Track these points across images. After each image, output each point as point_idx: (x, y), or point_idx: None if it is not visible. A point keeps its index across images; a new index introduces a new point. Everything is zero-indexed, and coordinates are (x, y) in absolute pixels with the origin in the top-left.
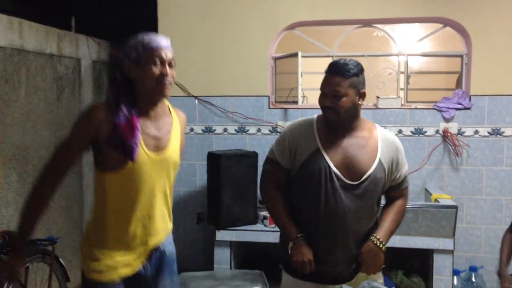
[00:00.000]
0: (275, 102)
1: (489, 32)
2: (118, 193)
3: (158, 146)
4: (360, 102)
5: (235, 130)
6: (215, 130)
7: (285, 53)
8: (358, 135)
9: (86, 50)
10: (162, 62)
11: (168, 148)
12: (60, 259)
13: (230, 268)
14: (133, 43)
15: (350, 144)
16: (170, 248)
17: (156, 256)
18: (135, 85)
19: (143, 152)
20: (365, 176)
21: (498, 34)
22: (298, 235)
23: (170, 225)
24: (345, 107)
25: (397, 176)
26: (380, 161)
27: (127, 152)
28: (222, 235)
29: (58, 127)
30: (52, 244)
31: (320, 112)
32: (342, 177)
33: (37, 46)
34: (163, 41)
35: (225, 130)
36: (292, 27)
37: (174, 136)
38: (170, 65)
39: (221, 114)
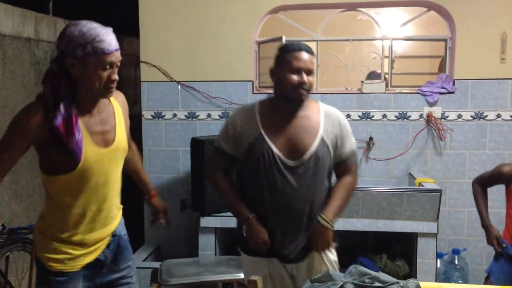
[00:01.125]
0: (259, 87)
1: (473, 16)
2: (71, 192)
3: (106, 140)
4: None
5: (219, 116)
6: (198, 115)
7: (269, 37)
8: (300, 115)
9: None
10: (111, 66)
11: (115, 139)
12: None
13: (215, 255)
14: (79, 38)
15: (293, 125)
16: (124, 231)
17: (114, 241)
18: (76, 82)
19: (93, 150)
20: (306, 155)
21: (482, 18)
22: (250, 216)
23: (120, 210)
24: (313, 84)
25: (343, 152)
26: (322, 139)
27: (71, 155)
28: (206, 221)
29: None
30: (32, 232)
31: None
32: (284, 158)
33: (14, 29)
34: (113, 41)
35: (209, 115)
36: (275, 10)
37: (118, 124)
38: (117, 66)
39: (205, 99)
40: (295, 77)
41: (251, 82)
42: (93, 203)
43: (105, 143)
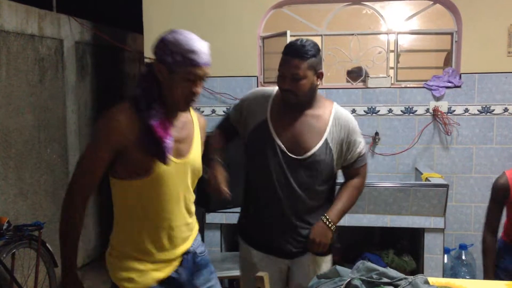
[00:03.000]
0: (264, 82)
1: (479, 9)
2: (140, 203)
3: (179, 151)
4: (318, 83)
5: (223, 111)
6: (203, 111)
7: (273, 32)
8: (310, 113)
9: (69, 30)
10: (196, 80)
11: (190, 154)
12: (47, 244)
13: (221, 251)
14: (172, 45)
15: (299, 121)
16: (201, 249)
17: (187, 259)
18: (162, 87)
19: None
20: (308, 154)
21: (489, 11)
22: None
23: (195, 231)
24: (304, 89)
25: (350, 156)
26: (326, 142)
27: (161, 154)
28: (211, 217)
29: (41, 109)
30: (38, 229)
31: None
32: (285, 150)
33: (18, 26)
34: (205, 55)
35: (213, 111)
36: (280, 5)
37: (196, 141)
38: (202, 80)
39: (209, 95)
40: (279, 83)
41: (256, 78)
42: (163, 217)
43: (177, 153)
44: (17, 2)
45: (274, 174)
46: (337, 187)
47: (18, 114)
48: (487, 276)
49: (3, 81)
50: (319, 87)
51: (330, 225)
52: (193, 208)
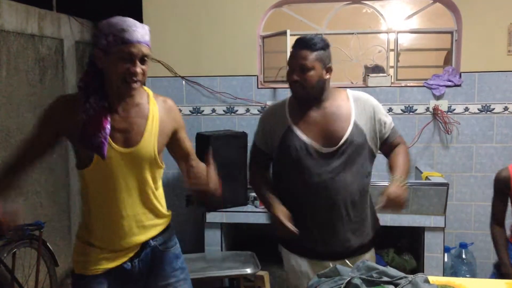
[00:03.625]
0: (264, 81)
1: (479, 8)
2: (94, 191)
3: (127, 140)
4: (327, 77)
5: (224, 111)
6: (203, 111)
7: (273, 31)
8: (329, 105)
9: (69, 30)
10: (133, 58)
11: (140, 143)
12: (48, 244)
13: (221, 250)
14: (105, 28)
15: (322, 114)
16: (165, 245)
17: (146, 252)
18: (104, 75)
19: (109, 147)
20: (342, 141)
21: (489, 10)
22: (274, 203)
23: (161, 221)
24: (312, 81)
25: (385, 131)
26: (355, 123)
27: (95, 149)
28: (212, 217)
29: (41, 109)
30: (39, 228)
31: None
32: (318, 147)
33: (18, 26)
34: (138, 33)
35: (213, 110)
36: (280, 4)
37: (149, 129)
38: (142, 61)
39: (209, 94)
40: (288, 76)
41: (256, 77)
42: (116, 206)
43: (124, 143)
44: (17, 1)
45: (312, 175)
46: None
47: (18, 114)
48: (504, 267)
49: (3, 81)
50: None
51: (402, 182)
52: (156, 201)
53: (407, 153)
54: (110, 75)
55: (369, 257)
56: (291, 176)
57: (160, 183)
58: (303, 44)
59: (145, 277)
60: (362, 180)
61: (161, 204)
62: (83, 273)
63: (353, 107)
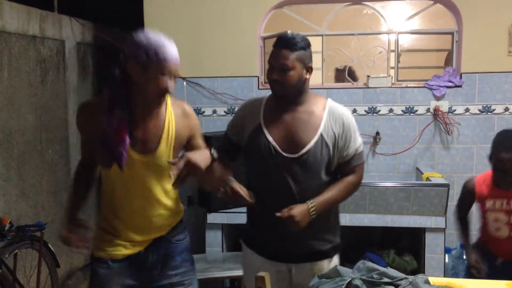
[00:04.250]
0: (265, 82)
1: (480, 9)
2: (110, 190)
3: (145, 148)
4: (307, 77)
5: (224, 112)
6: (204, 112)
7: (274, 32)
8: (302, 110)
9: (70, 31)
10: (170, 74)
11: (157, 152)
12: (49, 245)
13: (222, 251)
14: (143, 44)
15: (293, 119)
16: (179, 237)
17: (160, 244)
18: (134, 85)
19: (128, 154)
20: (303, 150)
21: (489, 11)
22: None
23: (175, 217)
24: (292, 80)
25: (346, 153)
26: (321, 136)
27: (115, 160)
28: (213, 217)
29: (43, 110)
30: (40, 229)
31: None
32: (280, 151)
33: (19, 27)
34: (174, 51)
35: (214, 111)
36: (280, 5)
37: (165, 138)
38: (174, 76)
39: (210, 95)
40: (268, 74)
41: (257, 78)
42: (131, 208)
43: (142, 150)
44: (18, 3)
45: (272, 176)
46: None
47: (20, 115)
48: (467, 249)
49: (5, 82)
50: (320, 87)
51: (312, 210)
52: (171, 200)
53: (352, 186)
54: (146, 87)
55: (327, 265)
56: (255, 172)
57: None
58: (284, 43)
59: (158, 266)
60: (321, 188)
61: (176, 202)
62: (102, 256)
63: (325, 118)
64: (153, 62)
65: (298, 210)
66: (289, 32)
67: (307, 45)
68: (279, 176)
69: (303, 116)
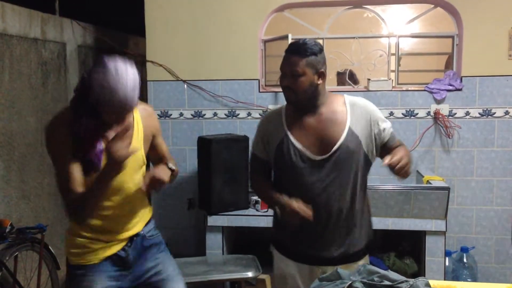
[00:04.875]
0: (265, 85)
1: (480, 13)
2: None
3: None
4: (319, 82)
5: (225, 114)
6: (204, 114)
7: (275, 35)
8: (325, 110)
9: (71, 34)
10: (117, 114)
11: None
12: (50, 247)
13: (223, 254)
14: (97, 83)
15: (318, 121)
16: (152, 233)
17: (136, 241)
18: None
19: (105, 158)
20: (335, 147)
21: (489, 14)
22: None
23: (148, 214)
24: (303, 87)
25: (383, 135)
26: (350, 129)
27: (90, 166)
28: (213, 220)
29: (44, 113)
30: (41, 232)
31: None
32: (311, 155)
33: (21, 30)
34: (122, 95)
35: (215, 114)
36: (281, 8)
37: (136, 136)
38: (127, 113)
39: (211, 98)
40: (280, 81)
41: (257, 81)
42: (111, 206)
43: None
44: (20, 6)
45: (307, 182)
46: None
47: (21, 117)
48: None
49: (6, 85)
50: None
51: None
52: (145, 197)
53: (407, 150)
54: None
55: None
56: (287, 181)
57: None
58: (295, 49)
59: (137, 262)
60: (354, 187)
61: (147, 198)
62: (80, 263)
63: (349, 112)
64: (101, 105)
65: (401, 152)
66: (305, 39)
67: (318, 51)
68: (312, 180)
69: (327, 115)
